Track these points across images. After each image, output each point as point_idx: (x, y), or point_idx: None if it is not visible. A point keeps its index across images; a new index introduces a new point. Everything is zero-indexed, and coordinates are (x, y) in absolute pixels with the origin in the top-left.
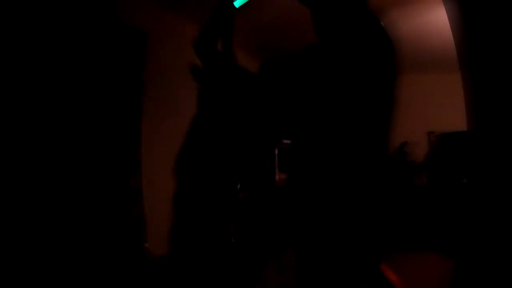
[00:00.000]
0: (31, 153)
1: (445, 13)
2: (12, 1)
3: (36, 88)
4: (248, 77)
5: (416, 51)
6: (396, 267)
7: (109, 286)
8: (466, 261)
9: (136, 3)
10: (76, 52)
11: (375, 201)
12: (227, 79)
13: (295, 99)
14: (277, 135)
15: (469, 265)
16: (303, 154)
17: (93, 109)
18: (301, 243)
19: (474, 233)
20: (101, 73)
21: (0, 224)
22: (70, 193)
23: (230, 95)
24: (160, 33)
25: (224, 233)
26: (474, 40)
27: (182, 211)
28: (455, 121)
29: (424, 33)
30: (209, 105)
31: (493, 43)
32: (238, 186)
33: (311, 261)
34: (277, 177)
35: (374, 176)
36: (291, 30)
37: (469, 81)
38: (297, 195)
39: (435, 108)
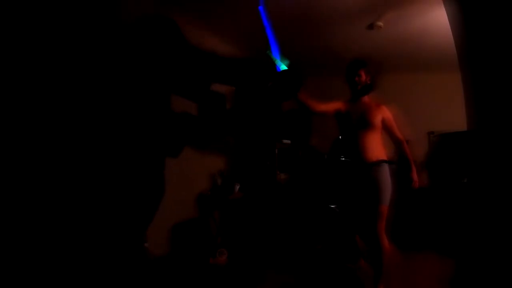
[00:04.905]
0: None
1: (445, 13)
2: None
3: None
4: None
5: (416, 51)
6: (396, 267)
7: (109, 286)
8: (466, 261)
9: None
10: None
11: None
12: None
13: None
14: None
15: (469, 265)
16: None
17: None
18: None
19: (474, 233)
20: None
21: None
22: (71, 192)
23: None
24: None
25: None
26: (474, 40)
27: None
28: (455, 121)
29: (424, 33)
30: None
31: (493, 43)
32: (237, 187)
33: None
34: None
35: None
36: (290, 29)
37: (469, 81)
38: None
39: (435, 108)
